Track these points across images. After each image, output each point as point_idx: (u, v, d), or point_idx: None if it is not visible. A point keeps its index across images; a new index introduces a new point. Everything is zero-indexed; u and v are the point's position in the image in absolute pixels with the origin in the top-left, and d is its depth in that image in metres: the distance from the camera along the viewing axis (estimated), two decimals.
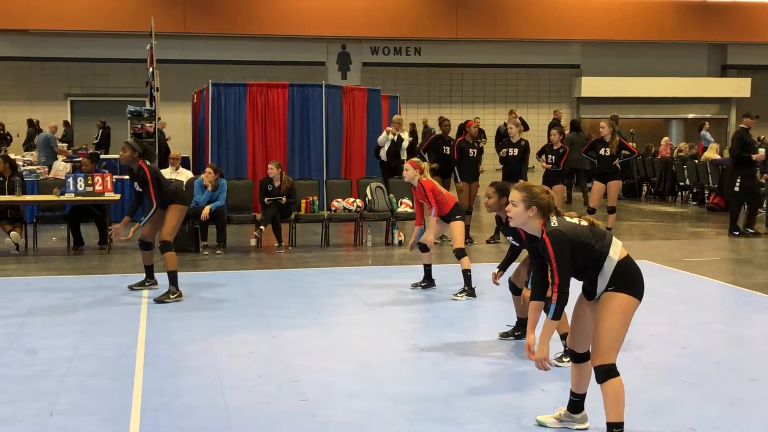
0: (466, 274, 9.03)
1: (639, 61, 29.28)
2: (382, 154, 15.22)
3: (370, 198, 13.17)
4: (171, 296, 8.84)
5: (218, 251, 12.20)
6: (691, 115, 30.60)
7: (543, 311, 4.93)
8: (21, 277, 10.50)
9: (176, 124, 23.35)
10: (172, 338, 7.41)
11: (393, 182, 14.13)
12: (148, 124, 16.69)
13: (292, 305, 8.79)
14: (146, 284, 9.40)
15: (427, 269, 9.50)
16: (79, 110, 26.78)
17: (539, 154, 13.35)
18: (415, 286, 9.51)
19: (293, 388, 6.00)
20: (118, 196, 12.82)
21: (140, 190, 9.11)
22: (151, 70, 16.39)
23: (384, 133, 15.16)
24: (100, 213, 12.61)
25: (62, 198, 12.39)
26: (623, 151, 13.47)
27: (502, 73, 28.99)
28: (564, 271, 4.60)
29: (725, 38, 29.24)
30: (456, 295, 9.03)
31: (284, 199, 12.53)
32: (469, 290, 9.03)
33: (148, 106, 17.22)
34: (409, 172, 9.21)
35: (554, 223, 4.68)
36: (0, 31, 25.45)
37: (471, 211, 13.19)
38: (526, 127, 18.88)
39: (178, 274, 8.98)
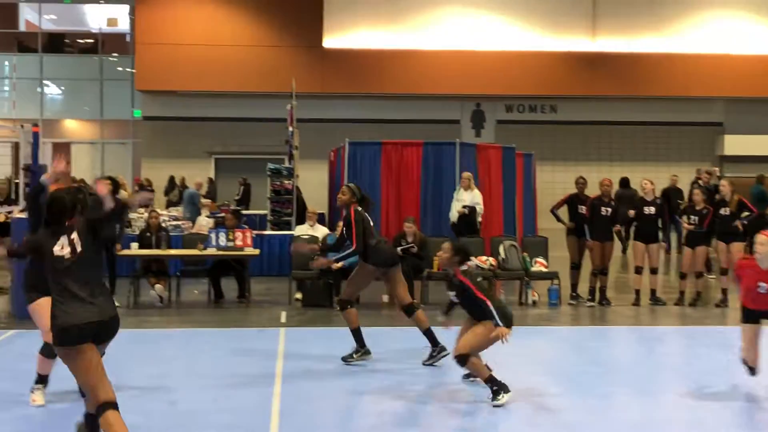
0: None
1: None
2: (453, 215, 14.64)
3: (503, 256, 13.04)
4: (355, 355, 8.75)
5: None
6: None
7: None
8: (164, 329, 10.85)
9: (313, 181, 23.88)
10: (307, 393, 7.48)
11: (528, 241, 13.97)
12: (286, 182, 17.13)
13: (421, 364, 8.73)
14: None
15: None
16: (222, 167, 27.78)
17: (681, 214, 12.96)
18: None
19: None
20: (257, 251, 13.13)
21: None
22: (291, 129, 16.88)
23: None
24: (240, 267, 12.93)
25: (205, 252, 12.76)
26: (744, 212, 12.84)
27: (641, 131, 28.43)
28: None
29: None
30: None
31: (416, 247, 12.55)
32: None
33: (287, 164, 17.70)
34: None
35: None
36: (150, 93, 26.89)
37: (606, 271, 12.86)
38: (712, 193, 17.66)
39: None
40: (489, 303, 7.20)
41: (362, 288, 9.38)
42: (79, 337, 5.16)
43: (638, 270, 12.81)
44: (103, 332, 5.29)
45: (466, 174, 14.85)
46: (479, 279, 7.56)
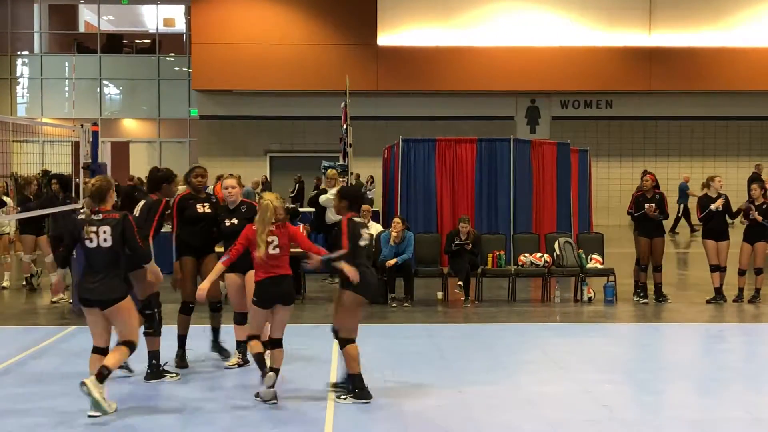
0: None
1: None
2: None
3: (558, 253, 12.97)
4: None
5: (405, 304, 12.34)
6: None
7: None
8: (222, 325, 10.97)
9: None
10: None
11: (583, 237, 13.86)
12: (341, 179, 17.19)
13: (478, 360, 8.75)
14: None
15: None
16: (277, 165, 28.04)
17: (743, 211, 12.63)
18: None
19: None
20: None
21: None
22: (345, 126, 16.95)
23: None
24: (295, 265, 12.99)
25: None
26: None
27: (699, 126, 28.02)
28: None
29: None
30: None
31: (470, 245, 12.51)
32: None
33: (341, 162, 17.78)
34: None
35: None
36: (207, 92, 27.26)
37: (659, 268, 12.64)
38: None
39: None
40: None
41: None
42: None
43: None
44: None
45: (330, 172, 14.94)
46: None
